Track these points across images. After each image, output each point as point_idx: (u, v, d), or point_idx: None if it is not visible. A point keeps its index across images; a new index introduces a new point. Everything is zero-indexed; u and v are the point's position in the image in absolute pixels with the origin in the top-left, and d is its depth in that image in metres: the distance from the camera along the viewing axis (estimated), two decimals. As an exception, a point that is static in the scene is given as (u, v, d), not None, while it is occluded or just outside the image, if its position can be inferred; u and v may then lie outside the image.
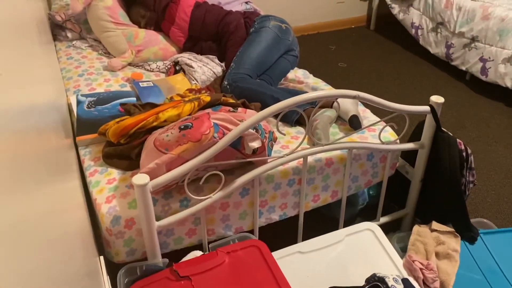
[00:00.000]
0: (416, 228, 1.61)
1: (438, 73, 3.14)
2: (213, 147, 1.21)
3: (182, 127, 1.23)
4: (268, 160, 1.38)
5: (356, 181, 1.59)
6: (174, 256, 1.35)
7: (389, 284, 1.15)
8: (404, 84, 3.03)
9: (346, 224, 1.58)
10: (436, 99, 1.50)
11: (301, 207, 1.52)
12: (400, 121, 1.52)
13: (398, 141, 1.59)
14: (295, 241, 1.50)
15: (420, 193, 1.72)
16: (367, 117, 1.70)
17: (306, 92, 1.74)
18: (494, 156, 2.36)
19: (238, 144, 1.28)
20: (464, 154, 1.58)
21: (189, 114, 1.45)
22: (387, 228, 1.79)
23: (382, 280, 1.17)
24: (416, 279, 1.37)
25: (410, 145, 1.58)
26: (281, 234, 1.56)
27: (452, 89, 2.95)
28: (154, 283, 1.24)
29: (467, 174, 1.62)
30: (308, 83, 1.95)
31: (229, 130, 1.25)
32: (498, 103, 2.79)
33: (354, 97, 1.36)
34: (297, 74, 2.03)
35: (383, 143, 1.51)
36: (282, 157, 1.37)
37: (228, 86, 1.81)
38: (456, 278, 1.46)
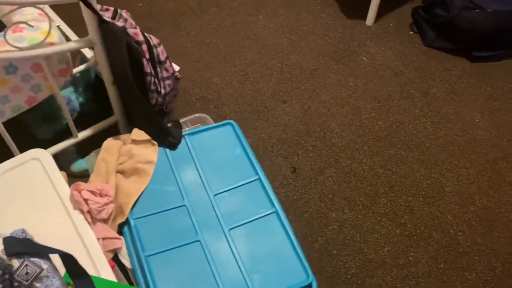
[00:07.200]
0: (106, 142, 1.36)
1: None
2: None
3: None
4: None
5: (8, 101, 1.23)
6: None
7: (-16, 249, 0.90)
8: None
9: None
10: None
11: None
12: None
13: (56, 40, 1.21)
14: None
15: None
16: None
17: None
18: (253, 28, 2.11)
19: None
20: (144, 46, 1.28)
21: None
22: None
23: (-21, 244, 0.92)
24: (83, 212, 1.16)
25: (70, 45, 1.22)
26: None
27: None
28: None
29: (159, 69, 1.35)
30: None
31: None
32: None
33: None
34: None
35: (21, 49, 1.13)
36: None
37: None
38: (144, 194, 1.29)
